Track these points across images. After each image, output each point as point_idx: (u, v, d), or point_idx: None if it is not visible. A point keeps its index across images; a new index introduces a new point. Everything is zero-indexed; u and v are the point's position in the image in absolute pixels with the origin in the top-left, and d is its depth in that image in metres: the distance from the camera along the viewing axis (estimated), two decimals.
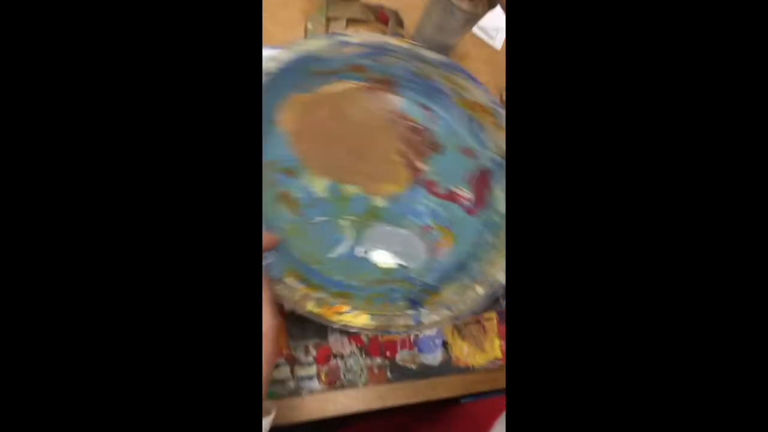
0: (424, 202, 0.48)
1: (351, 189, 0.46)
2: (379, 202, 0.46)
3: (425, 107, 0.51)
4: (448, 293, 0.42)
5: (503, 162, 0.48)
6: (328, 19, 0.56)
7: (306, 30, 0.55)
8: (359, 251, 0.44)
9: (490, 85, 0.62)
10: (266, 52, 0.51)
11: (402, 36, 0.59)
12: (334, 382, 0.43)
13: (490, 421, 0.44)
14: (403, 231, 0.46)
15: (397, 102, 0.51)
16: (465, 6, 0.51)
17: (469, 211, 0.48)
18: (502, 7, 0.48)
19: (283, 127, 0.45)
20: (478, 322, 0.50)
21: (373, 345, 0.45)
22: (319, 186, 0.45)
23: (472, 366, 0.48)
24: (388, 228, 0.46)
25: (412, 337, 0.47)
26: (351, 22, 0.58)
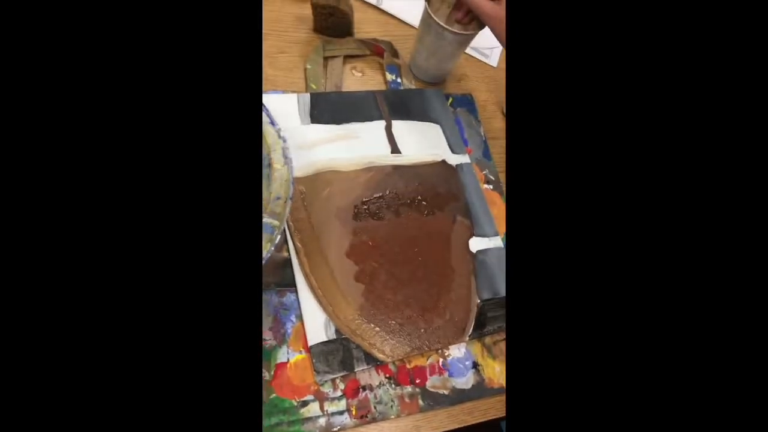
0: None
1: None
2: None
3: None
4: None
5: None
6: (326, 58, 0.58)
7: (306, 71, 0.57)
8: None
9: (489, 101, 0.63)
10: (272, 97, 0.53)
11: (398, 66, 0.60)
12: (365, 416, 0.42)
13: None
14: None
15: None
16: (456, 28, 0.53)
17: None
18: (491, 30, 0.49)
19: None
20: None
21: (401, 373, 0.44)
22: None
23: None
24: None
25: (440, 362, 0.46)
26: (348, 58, 0.59)
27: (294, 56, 0.57)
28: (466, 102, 0.62)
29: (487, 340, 0.48)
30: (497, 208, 0.56)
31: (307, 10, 0.58)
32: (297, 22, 0.60)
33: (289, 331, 0.43)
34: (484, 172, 0.58)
